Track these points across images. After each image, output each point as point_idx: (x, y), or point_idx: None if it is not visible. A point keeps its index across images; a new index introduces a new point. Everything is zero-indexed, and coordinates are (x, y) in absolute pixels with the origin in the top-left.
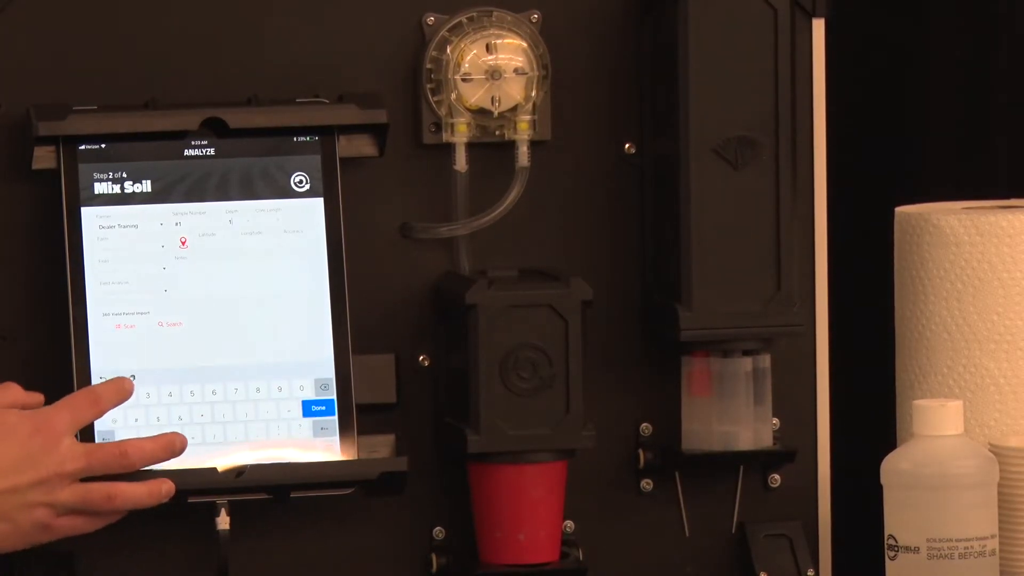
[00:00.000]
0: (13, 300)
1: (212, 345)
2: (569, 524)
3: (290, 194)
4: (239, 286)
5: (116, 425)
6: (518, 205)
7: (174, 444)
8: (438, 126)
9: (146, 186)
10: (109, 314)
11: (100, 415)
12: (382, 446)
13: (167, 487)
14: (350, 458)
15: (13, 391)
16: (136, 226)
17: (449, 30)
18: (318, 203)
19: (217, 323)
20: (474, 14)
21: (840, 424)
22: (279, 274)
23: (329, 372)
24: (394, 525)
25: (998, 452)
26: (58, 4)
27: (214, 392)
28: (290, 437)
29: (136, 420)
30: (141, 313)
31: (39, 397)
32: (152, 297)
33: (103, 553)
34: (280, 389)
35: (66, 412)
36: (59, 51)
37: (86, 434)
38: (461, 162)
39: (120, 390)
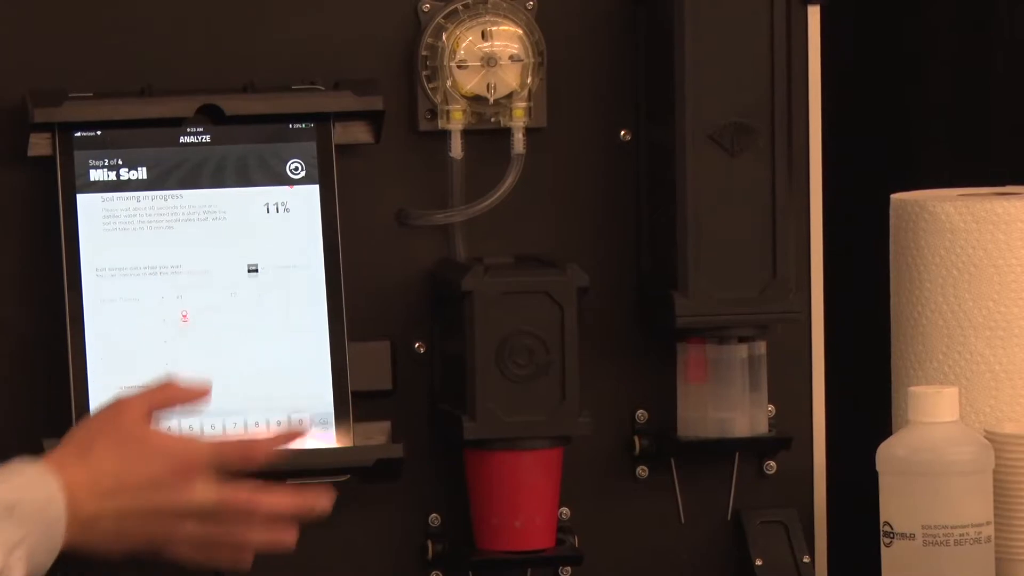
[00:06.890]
0: (7, 288)
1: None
2: (565, 511)
3: (286, 181)
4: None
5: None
6: (514, 192)
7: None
8: (434, 113)
9: (142, 173)
10: (106, 301)
11: (251, 467)
12: (378, 433)
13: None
14: (346, 445)
15: (171, 391)
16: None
17: (445, 17)
18: (314, 190)
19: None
20: (469, 1)
21: (836, 411)
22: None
23: (325, 366)
24: (390, 512)
25: (993, 438)
26: None
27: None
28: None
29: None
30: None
31: (202, 389)
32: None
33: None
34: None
35: (211, 451)
36: (55, 37)
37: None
38: (457, 149)
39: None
